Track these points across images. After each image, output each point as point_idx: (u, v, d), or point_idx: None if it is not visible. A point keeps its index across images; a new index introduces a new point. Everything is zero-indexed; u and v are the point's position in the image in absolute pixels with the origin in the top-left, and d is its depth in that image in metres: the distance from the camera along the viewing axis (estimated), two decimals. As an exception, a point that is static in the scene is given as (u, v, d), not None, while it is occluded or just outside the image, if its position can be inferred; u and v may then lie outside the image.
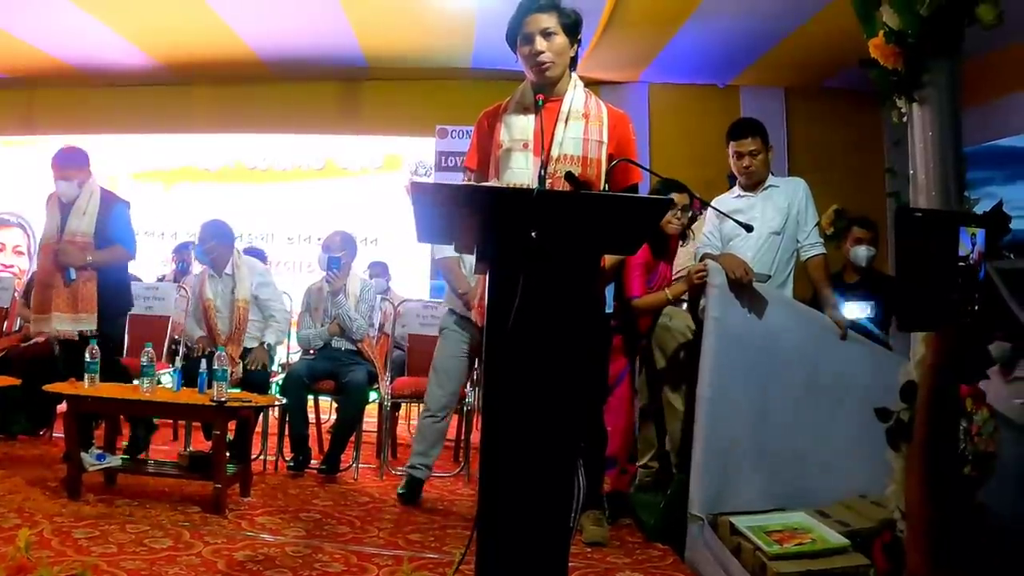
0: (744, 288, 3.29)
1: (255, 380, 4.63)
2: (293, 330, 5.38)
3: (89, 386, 3.80)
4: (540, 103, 2.48)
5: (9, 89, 8.48)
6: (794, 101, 7.69)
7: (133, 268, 6.98)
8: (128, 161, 8.39)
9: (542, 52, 2.61)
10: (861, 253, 4.69)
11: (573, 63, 2.75)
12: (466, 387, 4.42)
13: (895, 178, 2.08)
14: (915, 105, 2.04)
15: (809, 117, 7.56)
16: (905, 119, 2.06)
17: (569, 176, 2.18)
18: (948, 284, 1.20)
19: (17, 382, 4.27)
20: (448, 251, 4.29)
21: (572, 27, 2.66)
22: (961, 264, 1.21)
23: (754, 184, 3.78)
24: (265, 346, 4.90)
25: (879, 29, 2.00)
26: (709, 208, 3.78)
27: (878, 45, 1.98)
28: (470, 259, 4.24)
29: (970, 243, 1.23)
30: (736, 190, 3.88)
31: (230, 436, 4.11)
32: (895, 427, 1.81)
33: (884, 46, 1.97)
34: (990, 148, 6.20)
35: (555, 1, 2.66)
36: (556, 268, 2.00)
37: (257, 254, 6.46)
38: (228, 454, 3.87)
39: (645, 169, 2.32)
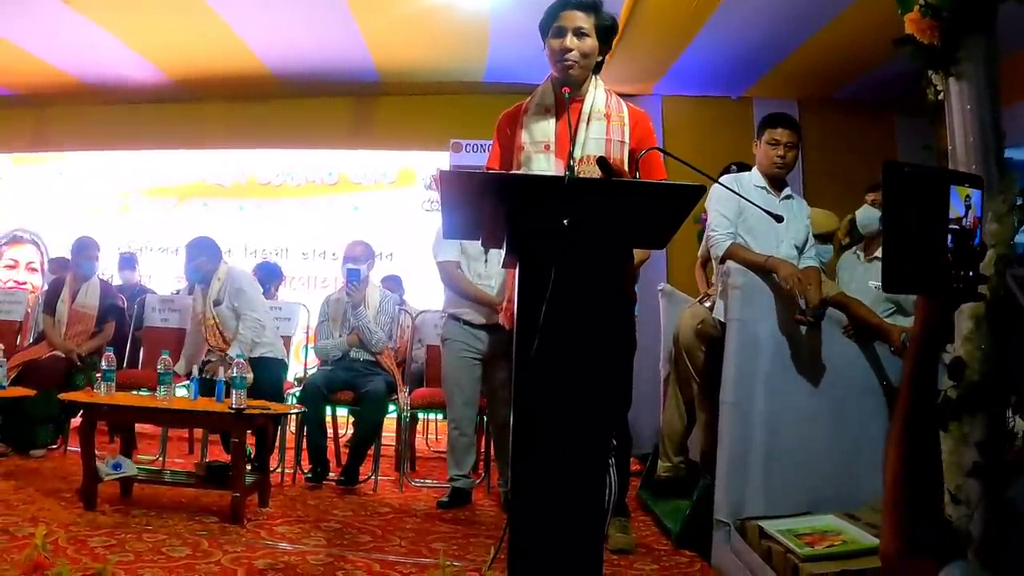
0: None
1: (266, 388, 4.47)
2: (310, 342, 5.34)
3: (105, 394, 3.78)
4: (567, 95, 2.46)
5: (21, 106, 8.50)
6: (807, 112, 7.63)
7: (148, 283, 7.03)
8: (140, 177, 8.40)
9: (570, 50, 2.60)
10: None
11: (598, 67, 2.73)
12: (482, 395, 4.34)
13: (931, 155, 2.05)
14: (952, 80, 2.02)
15: (822, 128, 7.52)
16: (941, 96, 2.04)
17: (601, 161, 2.14)
18: (937, 246, 1.14)
19: (32, 392, 4.27)
20: (450, 255, 4.22)
21: (606, 31, 2.65)
22: (954, 227, 1.15)
23: (778, 182, 3.65)
24: (227, 358, 4.60)
25: (914, 4, 2.00)
26: (721, 187, 3.30)
27: (914, 19, 1.98)
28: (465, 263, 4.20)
29: (962, 206, 1.16)
30: (757, 179, 3.65)
31: (251, 449, 4.06)
32: (942, 405, 1.76)
33: (920, 20, 1.97)
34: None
35: (597, 0, 2.64)
36: (588, 259, 1.96)
37: (272, 269, 6.47)
38: (248, 466, 3.82)
39: (671, 156, 2.29)
